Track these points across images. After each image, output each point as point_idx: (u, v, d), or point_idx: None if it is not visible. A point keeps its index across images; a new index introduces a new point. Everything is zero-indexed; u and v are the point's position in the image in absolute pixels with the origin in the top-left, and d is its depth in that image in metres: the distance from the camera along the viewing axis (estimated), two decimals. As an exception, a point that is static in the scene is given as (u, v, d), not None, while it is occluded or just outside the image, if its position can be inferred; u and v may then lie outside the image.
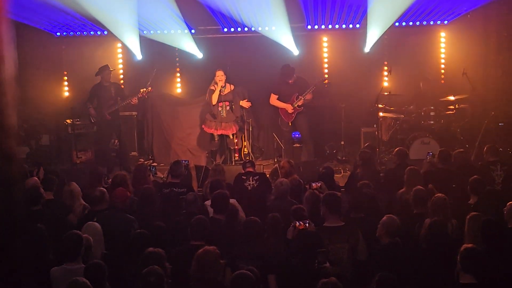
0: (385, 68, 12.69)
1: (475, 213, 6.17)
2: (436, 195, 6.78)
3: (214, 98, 11.61)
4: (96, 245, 6.24)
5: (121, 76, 13.15)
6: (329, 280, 4.76)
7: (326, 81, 12.18)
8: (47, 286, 5.69)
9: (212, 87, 11.67)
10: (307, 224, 6.04)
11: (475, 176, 7.58)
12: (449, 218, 6.51)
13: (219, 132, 11.82)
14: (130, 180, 8.30)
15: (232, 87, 11.72)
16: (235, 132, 11.89)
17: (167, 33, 12.68)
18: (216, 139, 11.99)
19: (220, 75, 11.54)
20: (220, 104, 11.66)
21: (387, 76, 12.33)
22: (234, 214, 6.92)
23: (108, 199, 7.40)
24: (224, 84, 11.56)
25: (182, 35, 12.65)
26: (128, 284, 5.69)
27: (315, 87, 11.60)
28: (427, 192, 7.08)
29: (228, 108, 11.72)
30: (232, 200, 7.31)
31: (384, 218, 6.18)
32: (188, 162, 9.29)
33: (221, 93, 11.59)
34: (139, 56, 12.72)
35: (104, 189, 7.59)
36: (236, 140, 11.98)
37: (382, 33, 12.34)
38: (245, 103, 11.88)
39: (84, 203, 7.64)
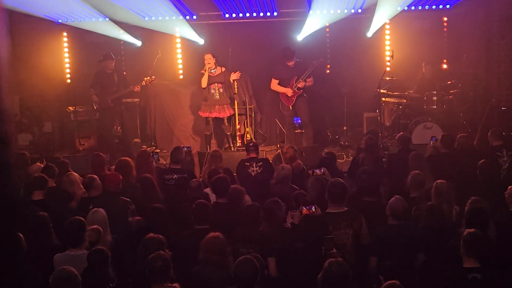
0: (387, 53, 12.64)
1: (475, 197, 6.08)
2: (438, 181, 6.68)
3: (204, 81, 11.50)
4: (104, 231, 6.22)
5: (123, 62, 13.14)
6: (336, 259, 4.80)
7: (328, 66, 12.12)
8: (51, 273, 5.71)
9: (202, 71, 11.60)
10: (313, 209, 6.03)
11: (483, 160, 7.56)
12: (452, 204, 6.44)
13: (213, 115, 11.66)
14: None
15: (223, 69, 11.61)
16: (229, 115, 11.76)
17: (168, 19, 12.64)
18: (210, 123, 11.82)
19: (208, 58, 11.48)
20: (212, 86, 11.56)
21: (389, 61, 12.30)
22: (237, 198, 6.90)
23: (101, 185, 7.42)
24: (214, 66, 11.51)
25: (183, 21, 12.62)
26: (130, 269, 5.72)
27: (313, 67, 11.55)
28: (424, 177, 7.06)
29: (221, 90, 11.62)
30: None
31: (392, 199, 6.16)
32: (190, 148, 9.26)
33: (211, 75, 11.52)
34: (138, 42, 12.76)
35: (95, 176, 7.59)
36: (239, 126, 11.95)
37: (390, 18, 12.32)
38: (234, 75, 11.66)
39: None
